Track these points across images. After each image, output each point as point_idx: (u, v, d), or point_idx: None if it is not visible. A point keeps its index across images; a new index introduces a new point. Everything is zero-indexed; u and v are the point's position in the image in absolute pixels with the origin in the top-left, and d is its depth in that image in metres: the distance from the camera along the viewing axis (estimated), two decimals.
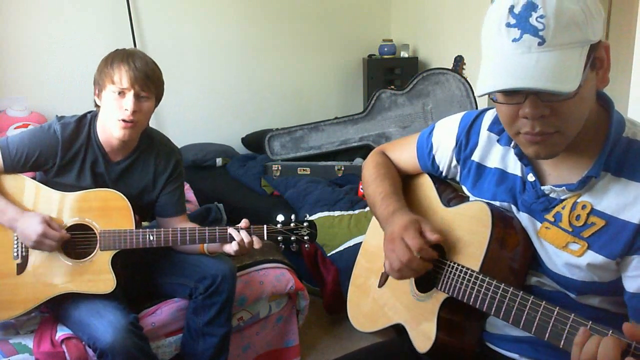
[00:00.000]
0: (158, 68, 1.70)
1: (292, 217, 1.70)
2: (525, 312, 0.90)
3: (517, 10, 0.83)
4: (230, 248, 1.65)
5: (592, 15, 0.83)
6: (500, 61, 0.85)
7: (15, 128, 2.91)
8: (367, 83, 4.06)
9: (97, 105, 1.71)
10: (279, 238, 1.68)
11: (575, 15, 0.81)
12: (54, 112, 2.96)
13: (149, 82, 1.62)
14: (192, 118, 3.72)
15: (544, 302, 0.88)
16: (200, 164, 3.46)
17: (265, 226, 1.67)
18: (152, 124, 3.49)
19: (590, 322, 0.81)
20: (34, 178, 1.70)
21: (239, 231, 1.64)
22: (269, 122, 3.84)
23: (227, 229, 1.64)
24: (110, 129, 1.65)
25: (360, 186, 2.83)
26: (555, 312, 0.86)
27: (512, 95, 0.88)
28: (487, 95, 0.90)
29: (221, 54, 3.75)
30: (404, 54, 4.04)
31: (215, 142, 3.69)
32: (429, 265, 1.08)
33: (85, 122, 1.71)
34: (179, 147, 3.52)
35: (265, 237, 1.67)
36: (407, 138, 1.32)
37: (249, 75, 3.88)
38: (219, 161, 3.51)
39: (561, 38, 0.81)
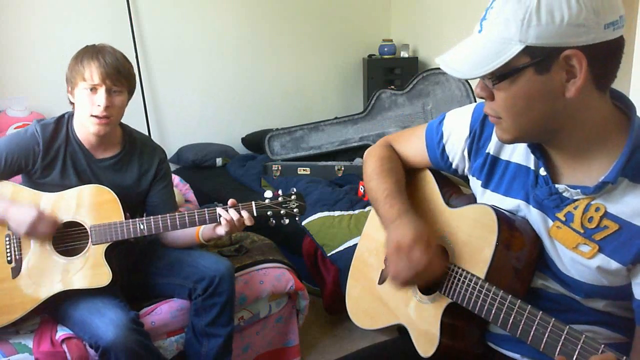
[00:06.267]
0: (128, 61, 1.71)
1: (280, 191, 1.74)
2: (534, 328, 0.89)
3: (489, 4, 0.90)
4: (222, 229, 1.67)
5: (545, 21, 0.80)
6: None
7: (15, 128, 2.90)
8: (367, 83, 4.05)
9: (71, 103, 1.73)
10: (268, 213, 1.71)
11: (514, 15, 0.83)
12: (54, 112, 2.94)
13: (119, 77, 1.64)
14: (192, 118, 3.72)
15: (553, 319, 0.87)
16: (200, 164, 3.47)
17: (253, 202, 1.70)
18: (153, 123, 3.54)
19: (603, 346, 0.81)
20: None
21: (227, 210, 1.67)
22: (269, 122, 3.84)
23: (215, 209, 1.67)
24: (86, 126, 1.67)
25: (361, 186, 2.82)
26: (566, 331, 0.85)
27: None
28: None
29: (221, 54, 3.75)
30: (404, 54, 4.03)
31: (215, 142, 3.69)
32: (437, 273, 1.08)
33: (64, 122, 1.73)
34: (179, 147, 3.61)
35: (255, 213, 1.70)
36: (414, 129, 1.29)
37: (249, 75, 3.88)
38: (219, 161, 3.51)
39: (492, 31, 0.86)
